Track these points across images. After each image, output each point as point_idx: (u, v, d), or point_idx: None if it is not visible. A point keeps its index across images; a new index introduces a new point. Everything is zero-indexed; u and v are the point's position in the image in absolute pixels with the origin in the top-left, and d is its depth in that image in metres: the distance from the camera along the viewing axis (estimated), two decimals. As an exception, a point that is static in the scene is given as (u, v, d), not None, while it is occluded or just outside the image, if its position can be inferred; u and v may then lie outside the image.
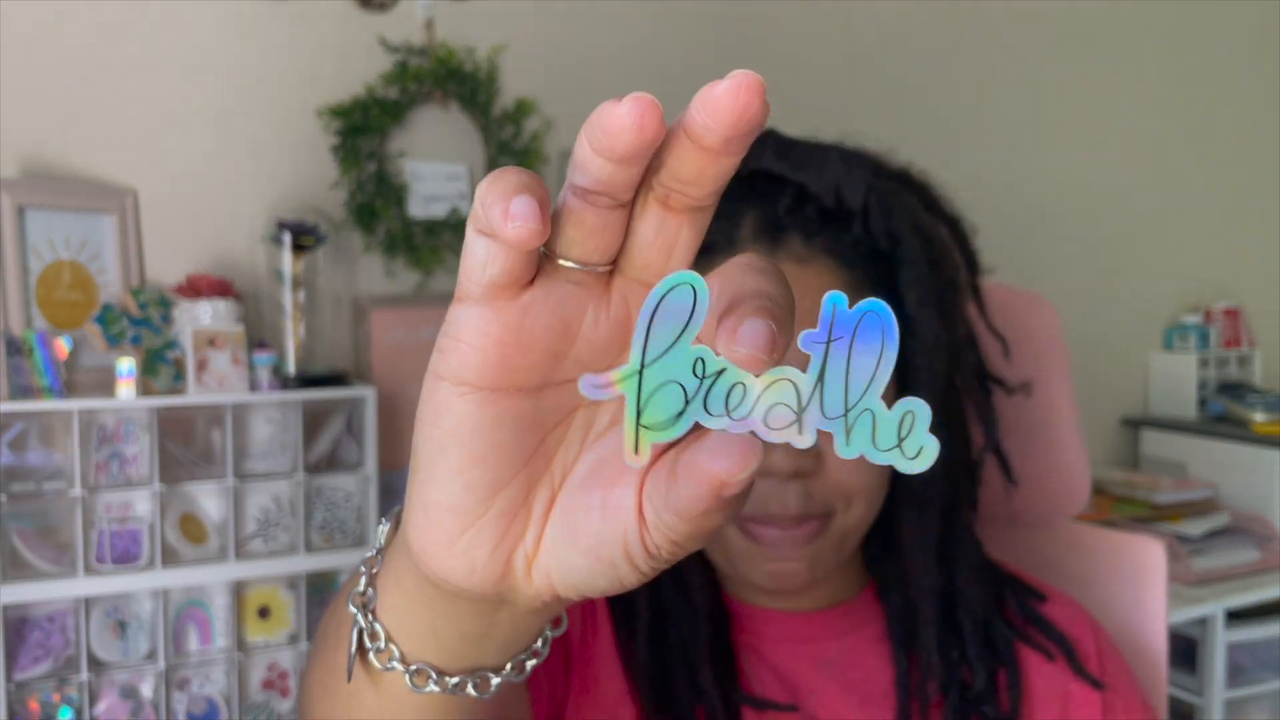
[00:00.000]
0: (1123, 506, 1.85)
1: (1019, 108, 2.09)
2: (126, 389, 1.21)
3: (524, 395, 0.29)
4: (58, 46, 1.34)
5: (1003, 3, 2.06)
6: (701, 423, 0.26)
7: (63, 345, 1.23)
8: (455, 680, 0.34)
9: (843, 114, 1.87)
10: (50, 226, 1.31)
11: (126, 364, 1.21)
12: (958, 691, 0.66)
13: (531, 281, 0.28)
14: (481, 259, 0.27)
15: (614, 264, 0.29)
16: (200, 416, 1.30)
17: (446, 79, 1.53)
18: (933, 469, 0.73)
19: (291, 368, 1.35)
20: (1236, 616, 1.74)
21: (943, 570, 0.68)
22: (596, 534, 0.28)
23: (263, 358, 1.29)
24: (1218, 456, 2.02)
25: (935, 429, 0.26)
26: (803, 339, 0.25)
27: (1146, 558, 0.89)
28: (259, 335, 1.40)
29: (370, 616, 0.35)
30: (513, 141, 1.57)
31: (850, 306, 0.25)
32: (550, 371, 0.29)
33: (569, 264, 0.28)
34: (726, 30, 1.79)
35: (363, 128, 1.48)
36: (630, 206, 0.28)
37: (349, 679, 0.36)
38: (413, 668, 0.34)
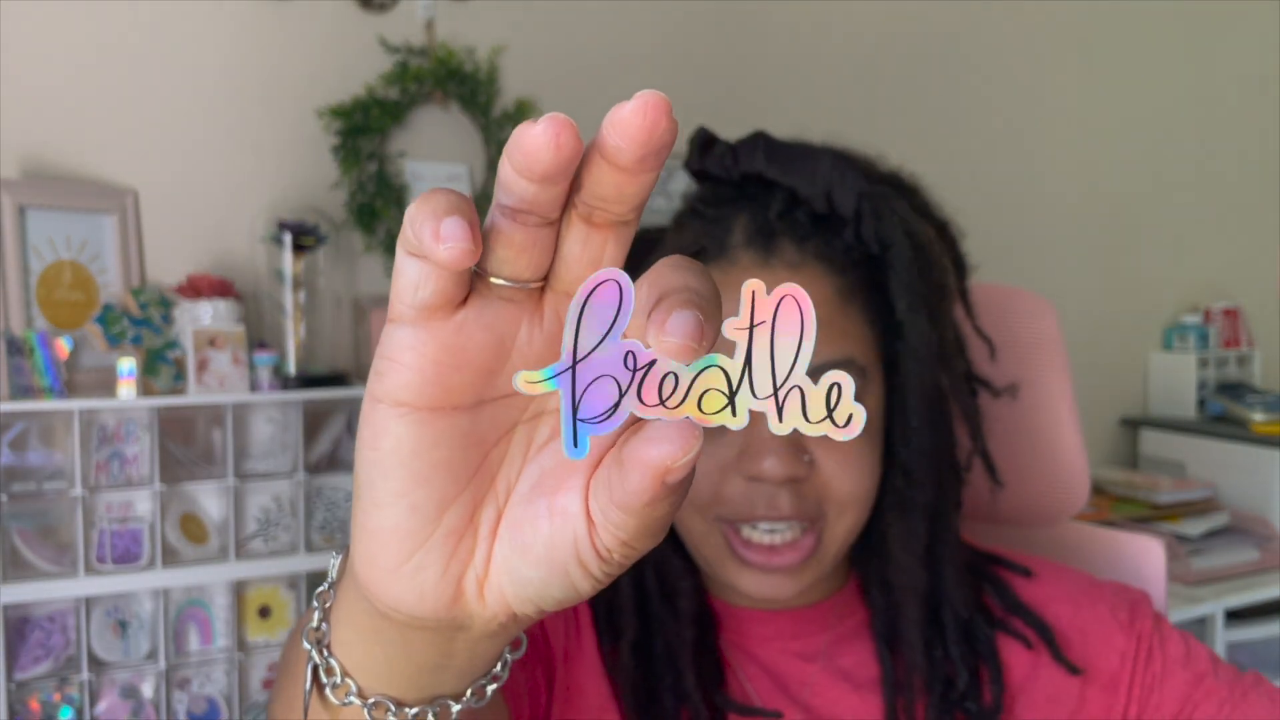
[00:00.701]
0: (1122, 506, 1.85)
1: (1019, 107, 2.09)
2: (127, 389, 1.21)
3: (461, 413, 0.29)
4: (58, 47, 1.34)
5: (1004, 2, 2.06)
6: (636, 414, 0.26)
7: (63, 345, 1.23)
8: (414, 711, 0.34)
9: (842, 113, 1.88)
10: (51, 226, 1.31)
11: (127, 364, 1.21)
12: (941, 688, 0.66)
13: (464, 300, 0.28)
14: (414, 280, 0.27)
15: (545, 280, 0.29)
16: (201, 416, 1.30)
17: (447, 79, 1.53)
18: (920, 473, 0.71)
19: (292, 368, 1.35)
20: (1236, 616, 1.74)
21: (928, 572, 0.68)
22: (546, 542, 0.29)
23: (263, 358, 1.29)
24: (1217, 456, 2.02)
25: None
26: (726, 326, 0.26)
27: (1146, 558, 0.89)
28: (259, 335, 1.40)
29: (325, 652, 0.35)
30: (513, 142, 1.57)
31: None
32: (486, 388, 0.30)
33: (501, 282, 0.28)
34: (726, 30, 1.79)
35: (363, 128, 1.48)
36: (558, 223, 0.28)
37: (305, 716, 0.36)
38: (370, 701, 0.34)
